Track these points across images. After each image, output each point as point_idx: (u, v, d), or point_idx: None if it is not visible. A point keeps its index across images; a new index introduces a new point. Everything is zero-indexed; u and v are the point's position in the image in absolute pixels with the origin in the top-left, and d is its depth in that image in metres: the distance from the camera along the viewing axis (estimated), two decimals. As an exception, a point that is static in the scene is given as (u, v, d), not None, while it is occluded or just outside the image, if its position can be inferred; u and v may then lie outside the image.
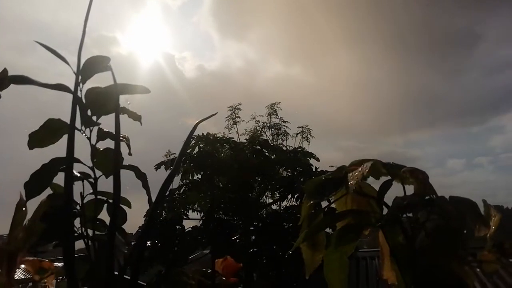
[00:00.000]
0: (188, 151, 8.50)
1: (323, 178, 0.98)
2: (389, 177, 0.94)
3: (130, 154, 1.33)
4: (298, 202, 7.90)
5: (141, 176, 1.39)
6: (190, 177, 8.55)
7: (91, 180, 1.36)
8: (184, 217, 8.27)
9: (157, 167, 8.44)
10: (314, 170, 8.63)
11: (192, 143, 8.52)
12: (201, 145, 8.54)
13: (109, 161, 1.38)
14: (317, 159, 8.97)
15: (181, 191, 8.52)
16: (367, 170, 0.83)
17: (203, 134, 8.72)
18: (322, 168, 9.00)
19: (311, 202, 0.93)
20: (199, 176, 8.59)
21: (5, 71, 1.25)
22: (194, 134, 7.75)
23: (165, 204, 8.41)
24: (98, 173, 1.38)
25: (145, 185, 1.42)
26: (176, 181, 8.77)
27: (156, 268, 6.68)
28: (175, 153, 8.94)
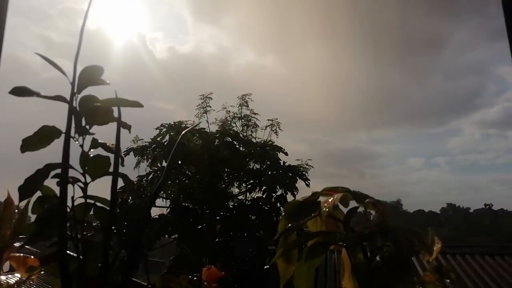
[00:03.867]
0: (158, 138, 8.49)
1: (300, 202, 1.13)
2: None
3: (122, 165, 1.43)
4: (265, 195, 8.12)
5: (129, 184, 1.49)
6: (159, 165, 8.56)
7: (81, 184, 1.45)
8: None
9: (126, 153, 8.38)
10: (282, 164, 8.89)
11: (163, 130, 8.51)
12: (171, 133, 8.55)
13: (98, 167, 1.47)
14: (286, 153, 9.24)
15: (149, 178, 8.52)
16: (338, 201, 0.99)
17: (174, 122, 8.72)
18: (289, 162, 9.29)
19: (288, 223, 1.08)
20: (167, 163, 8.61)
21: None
22: (165, 123, 7.65)
23: (129, 188, 8.38)
24: (88, 177, 1.46)
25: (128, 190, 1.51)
26: (143, 168, 8.77)
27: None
28: (142, 139, 8.87)
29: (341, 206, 1.13)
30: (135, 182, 8.24)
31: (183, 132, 1.67)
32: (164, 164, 8.56)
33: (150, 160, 8.38)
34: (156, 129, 8.50)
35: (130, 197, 8.36)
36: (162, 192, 8.75)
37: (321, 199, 1.14)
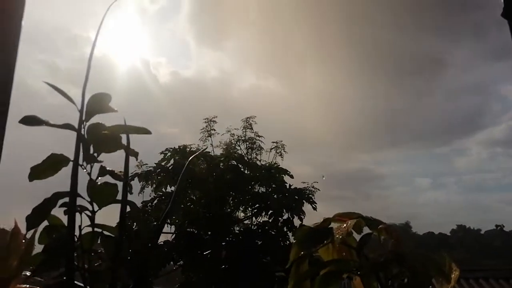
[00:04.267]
0: (163, 163, 8.49)
1: (311, 228, 1.10)
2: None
3: (131, 193, 1.42)
4: (271, 219, 8.03)
5: (136, 211, 1.48)
6: (164, 189, 8.53)
7: (88, 213, 1.43)
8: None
9: (130, 179, 8.37)
10: (287, 187, 8.82)
11: (168, 155, 8.53)
12: (176, 158, 8.56)
13: (106, 195, 1.46)
14: (291, 176, 9.18)
15: (154, 203, 8.47)
16: (351, 227, 0.97)
17: (179, 146, 8.75)
18: (295, 184, 9.22)
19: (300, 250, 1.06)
20: (173, 188, 8.58)
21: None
22: (169, 147, 7.66)
23: (134, 214, 8.32)
24: (95, 206, 1.45)
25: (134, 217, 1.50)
26: (148, 193, 8.73)
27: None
28: (146, 164, 8.85)
29: (353, 232, 1.10)
30: (140, 208, 8.19)
31: (191, 157, 1.67)
32: (169, 189, 8.54)
33: (154, 185, 8.35)
34: (161, 153, 8.52)
35: (135, 224, 8.28)
36: (167, 219, 8.67)
37: (334, 225, 1.12)
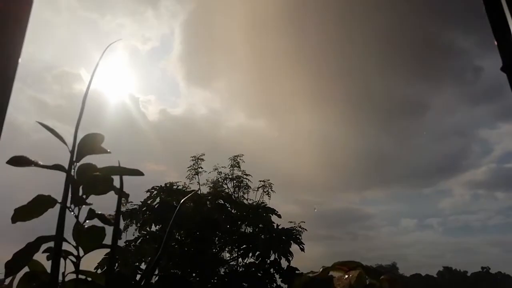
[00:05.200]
0: (149, 201, 8.31)
1: (310, 278, 1.06)
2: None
3: (120, 238, 1.35)
4: (258, 261, 7.80)
5: (122, 253, 1.41)
6: (148, 229, 8.28)
7: (73, 258, 1.36)
8: (139, 271, 7.86)
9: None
10: (275, 227, 8.67)
11: (154, 193, 8.36)
12: (162, 196, 8.39)
13: (93, 239, 1.39)
14: (279, 216, 9.04)
15: (138, 242, 8.18)
16: (354, 280, 0.93)
17: (165, 184, 8.60)
18: (282, 224, 9.07)
19: (300, 303, 1.00)
20: (158, 227, 8.33)
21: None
22: (156, 185, 7.53)
23: (117, 257, 7.99)
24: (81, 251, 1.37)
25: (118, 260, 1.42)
26: (131, 232, 8.46)
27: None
28: (131, 202, 8.64)
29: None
30: (123, 248, 7.89)
31: (183, 199, 1.63)
32: (154, 228, 8.29)
33: (139, 224, 8.11)
34: (147, 191, 8.35)
35: (116, 264, 7.93)
36: (150, 258, 8.37)
37: (333, 274, 1.08)
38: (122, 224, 8.34)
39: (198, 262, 7.87)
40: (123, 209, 8.38)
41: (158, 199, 8.21)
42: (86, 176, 1.34)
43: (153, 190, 8.29)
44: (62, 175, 1.33)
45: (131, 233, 8.40)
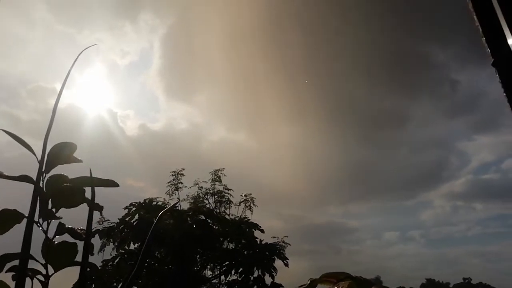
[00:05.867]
0: (127, 218, 8.06)
1: (297, 291, 1.00)
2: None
3: (92, 254, 1.26)
4: (241, 277, 7.63)
5: (97, 274, 1.31)
6: (127, 247, 8.00)
7: (41, 277, 1.25)
8: (115, 293, 7.55)
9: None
10: (258, 242, 8.54)
11: (132, 210, 8.12)
12: (141, 213, 8.15)
13: (64, 256, 1.29)
14: (262, 231, 8.92)
15: (116, 262, 7.88)
16: (344, 291, 0.87)
17: (144, 200, 8.38)
18: (265, 239, 8.94)
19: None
20: (137, 246, 8.07)
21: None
22: (134, 202, 7.34)
23: (93, 277, 7.68)
24: (51, 269, 1.27)
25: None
26: (109, 251, 8.16)
27: None
28: (108, 220, 8.36)
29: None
30: (100, 267, 7.58)
31: (160, 213, 1.55)
32: (133, 246, 8.03)
33: (117, 243, 7.83)
34: (125, 208, 8.10)
35: (93, 285, 7.62)
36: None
37: (321, 287, 1.02)
38: (99, 243, 8.04)
39: (179, 281, 7.63)
40: (99, 227, 8.11)
41: (136, 216, 7.96)
42: (56, 188, 1.25)
43: (131, 207, 8.05)
44: (31, 188, 1.23)
45: (108, 252, 8.11)
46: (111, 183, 1.29)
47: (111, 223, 8.19)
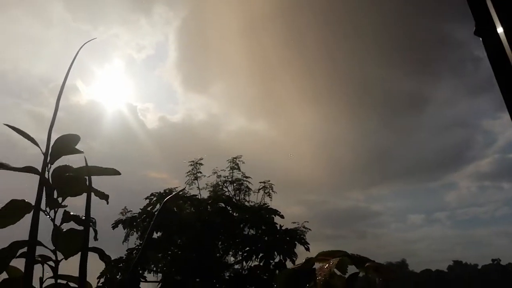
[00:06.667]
0: (149, 208, 8.24)
1: (294, 271, 1.01)
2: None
3: (96, 239, 1.30)
4: (261, 263, 7.72)
5: (105, 259, 1.36)
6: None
7: (52, 263, 1.31)
8: (142, 279, 7.78)
9: (115, 225, 8.06)
10: (278, 228, 8.58)
11: (153, 200, 8.30)
12: (162, 203, 8.31)
13: (72, 243, 1.34)
14: (282, 216, 8.95)
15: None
16: (334, 268, 0.87)
17: (164, 190, 8.53)
18: (285, 225, 8.97)
19: (281, 296, 0.95)
20: (159, 234, 8.27)
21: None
22: (155, 192, 7.48)
23: (121, 265, 7.94)
24: (60, 255, 1.32)
25: (108, 268, 1.37)
26: (133, 240, 8.40)
27: None
28: (131, 210, 8.58)
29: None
30: (125, 256, 7.82)
31: (168, 198, 1.57)
32: (156, 235, 8.23)
33: (140, 232, 8.04)
34: (146, 198, 8.29)
35: (120, 273, 7.87)
36: (153, 266, 8.29)
37: (317, 265, 1.02)
38: (123, 233, 8.28)
39: (202, 267, 7.79)
40: (123, 217, 8.33)
41: (158, 206, 8.14)
42: (60, 178, 1.30)
43: (152, 197, 8.23)
44: (37, 180, 1.28)
45: (132, 242, 8.34)
46: (112, 172, 1.32)
47: (134, 213, 8.40)
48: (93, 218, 1.31)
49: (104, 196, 1.43)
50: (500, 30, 0.66)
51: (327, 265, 0.90)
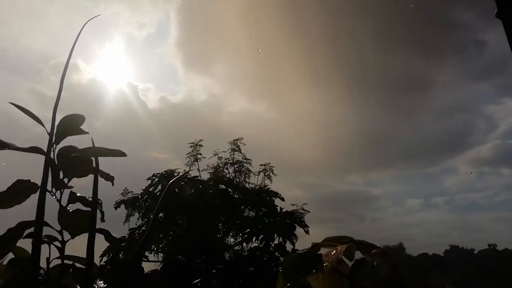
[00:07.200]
0: (151, 189, 8.31)
1: (299, 255, 1.01)
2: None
3: (103, 220, 1.31)
4: (262, 244, 7.83)
5: (111, 240, 1.37)
6: (151, 216, 8.31)
7: (58, 243, 1.32)
8: (144, 258, 7.92)
9: (117, 206, 8.15)
10: (279, 210, 8.67)
11: (155, 180, 8.36)
12: (164, 183, 8.37)
13: (78, 223, 1.35)
14: (282, 199, 9.02)
15: (141, 230, 8.23)
16: (341, 254, 0.88)
17: (166, 171, 8.58)
18: (285, 207, 9.06)
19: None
20: (161, 215, 8.36)
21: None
22: (157, 172, 7.50)
23: (123, 244, 8.06)
24: (66, 236, 1.33)
25: (112, 249, 1.39)
26: (134, 220, 8.50)
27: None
28: (132, 191, 8.64)
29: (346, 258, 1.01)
30: (127, 236, 7.94)
31: (171, 181, 1.57)
32: (158, 216, 8.31)
33: (142, 212, 8.13)
34: (148, 179, 8.35)
35: (122, 252, 8.01)
36: (154, 246, 8.41)
37: (323, 251, 1.03)
38: (124, 213, 8.38)
39: (203, 247, 7.91)
40: (124, 198, 8.41)
41: (159, 187, 8.20)
42: (66, 158, 1.29)
43: (154, 178, 8.28)
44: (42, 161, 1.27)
45: (133, 222, 8.45)
46: (118, 153, 1.32)
47: (136, 194, 8.48)
48: (100, 200, 1.31)
49: (109, 178, 1.43)
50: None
51: (334, 251, 0.90)
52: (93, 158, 1.28)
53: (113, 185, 1.47)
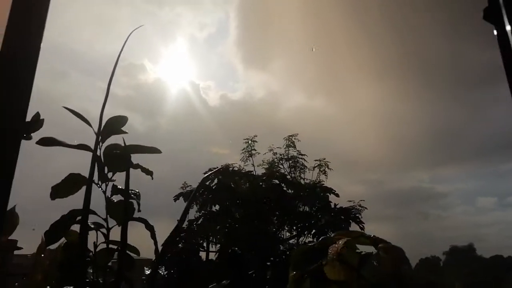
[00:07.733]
0: (207, 183, 8.66)
1: (308, 248, 1.06)
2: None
3: (139, 210, 1.46)
4: (314, 239, 7.82)
5: (150, 228, 1.51)
6: (208, 208, 8.68)
7: (104, 230, 1.49)
8: (201, 248, 8.33)
9: (176, 198, 8.63)
10: (333, 206, 8.58)
11: (211, 175, 8.69)
12: (219, 177, 8.69)
13: (121, 212, 1.51)
14: (337, 195, 8.90)
15: (199, 222, 8.63)
16: (341, 247, 0.91)
17: (221, 166, 8.90)
18: (342, 203, 8.92)
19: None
20: (217, 208, 8.70)
21: (37, 114, 1.43)
22: (213, 167, 7.79)
23: (182, 234, 8.51)
24: (111, 223, 1.50)
25: (153, 237, 1.53)
26: (192, 213, 8.93)
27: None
28: (191, 185, 9.07)
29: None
30: (185, 227, 8.38)
31: (222, 174, 1.69)
32: (213, 208, 8.65)
33: (199, 205, 8.52)
34: (204, 173, 8.71)
35: (182, 242, 8.47)
36: (211, 237, 8.76)
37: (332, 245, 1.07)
38: (183, 205, 8.83)
39: (258, 240, 8.09)
40: (182, 191, 8.86)
41: (216, 181, 8.53)
42: (109, 155, 1.46)
43: (210, 172, 8.63)
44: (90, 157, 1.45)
45: (192, 214, 8.89)
46: (154, 150, 1.46)
47: (193, 188, 8.91)
48: (138, 191, 1.46)
49: (149, 172, 1.58)
50: (508, 28, 0.62)
51: (336, 244, 0.94)
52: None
53: (152, 178, 1.61)
